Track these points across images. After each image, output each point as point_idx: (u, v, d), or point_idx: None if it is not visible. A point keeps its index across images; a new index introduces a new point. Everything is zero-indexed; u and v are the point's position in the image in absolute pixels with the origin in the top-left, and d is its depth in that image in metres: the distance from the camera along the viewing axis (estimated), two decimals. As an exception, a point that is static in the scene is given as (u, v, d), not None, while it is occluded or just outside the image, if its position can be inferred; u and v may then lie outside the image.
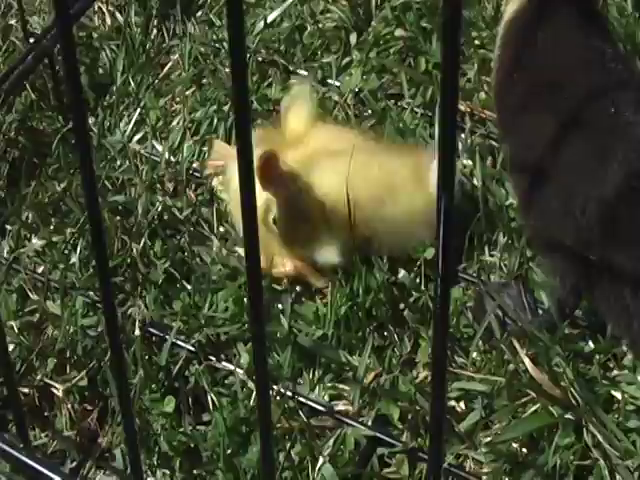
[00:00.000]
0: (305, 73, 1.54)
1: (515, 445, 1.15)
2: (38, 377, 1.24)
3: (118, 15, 1.65)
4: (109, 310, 0.63)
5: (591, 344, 1.22)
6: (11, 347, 1.26)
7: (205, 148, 1.46)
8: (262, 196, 1.22)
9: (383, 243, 1.27)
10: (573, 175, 1.14)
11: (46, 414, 1.23)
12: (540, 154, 1.16)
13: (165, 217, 1.38)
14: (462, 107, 1.47)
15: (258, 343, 0.62)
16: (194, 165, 1.44)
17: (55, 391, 1.23)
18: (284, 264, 1.28)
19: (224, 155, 1.35)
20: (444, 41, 0.50)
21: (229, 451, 1.16)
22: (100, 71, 1.59)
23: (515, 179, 1.24)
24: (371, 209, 1.26)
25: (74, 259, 1.33)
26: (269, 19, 1.60)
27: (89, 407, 1.23)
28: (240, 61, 0.52)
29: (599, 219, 1.12)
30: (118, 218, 1.37)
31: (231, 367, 1.23)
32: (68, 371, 1.25)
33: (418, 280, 1.28)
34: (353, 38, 1.58)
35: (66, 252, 1.35)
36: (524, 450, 1.15)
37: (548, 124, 1.16)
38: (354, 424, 1.17)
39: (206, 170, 1.41)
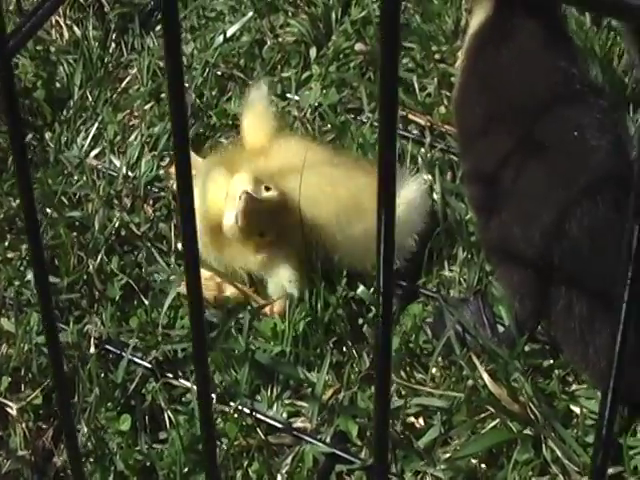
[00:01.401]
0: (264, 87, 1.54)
1: (474, 461, 1.15)
2: (-8, 396, 1.23)
3: (76, 29, 1.64)
4: (50, 327, 0.62)
5: (550, 359, 1.22)
6: (-36, 365, 1.24)
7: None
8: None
9: (344, 260, 1.27)
10: (533, 201, 1.13)
11: None
12: (500, 177, 1.16)
13: (122, 233, 1.37)
14: (422, 121, 1.47)
15: (200, 365, 0.61)
16: (158, 174, 1.43)
17: (9, 410, 1.22)
18: (224, 289, 1.28)
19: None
20: (382, 39, 0.49)
21: (186, 470, 1.16)
22: (57, 85, 1.58)
23: (473, 198, 1.24)
24: (336, 227, 1.26)
25: (29, 276, 1.32)
26: (228, 33, 1.60)
27: (44, 426, 1.22)
28: (177, 79, 0.52)
29: (558, 248, 1.12)
30: (75, 234, 1.36)
31: (188, 385, 1.22)
32: (22, 389, 1.24)
33: (377, 295, 1.28)
34: (313, 52, 1.58)
35: (21, 269, 1.34)
36: (483, 466, 1.15)
37: (508, 145, 1.15)
38: (312, 441, 1.17)
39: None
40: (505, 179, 1.16)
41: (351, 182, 1.28)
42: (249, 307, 1.27)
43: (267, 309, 1.27)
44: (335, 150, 1.37)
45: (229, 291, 1.28)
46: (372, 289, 1.28)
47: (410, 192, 1.29)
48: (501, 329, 1.24)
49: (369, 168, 1.29)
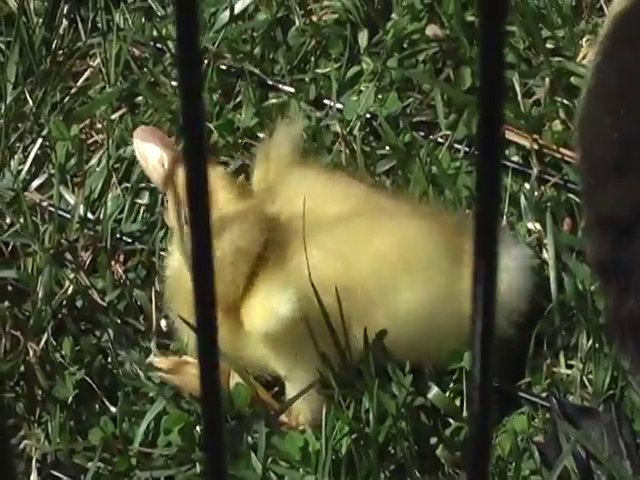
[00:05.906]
0: (291, 90, 1.57)
1: None
2: None
3: (9, -2, 1.66)
4: None
5: None
6: None
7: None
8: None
9: (390, 347, 1.31)
10: None
11: None
12: None
13: (78, 303, 1.41)
14: (526, 143, 1.51)
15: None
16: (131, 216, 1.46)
17: None
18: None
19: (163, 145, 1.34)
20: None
21: None
22: (-20, 81, 1.60)
23: (599, 263, 1.25)
24: (373, 297, 1.30)
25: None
26: (237, 8, 1.63)
27: None
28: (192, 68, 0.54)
29: None
30: (7, 304, 1.40)
31: (178, 531, 1.26)
32: None
33: (458, 402, 1.32)
34: (363, 38, 1.61)
35: None
36: None
37: None
38: None
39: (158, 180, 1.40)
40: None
41: (396, 232, 1.32)
42: (266, 413, 1.31)
43: (291, 418, 1.32)
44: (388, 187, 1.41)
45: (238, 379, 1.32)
46: (449, 391, 1.31)
47: (512, 257, 1.32)
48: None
49: (432, 216, 1.35)
